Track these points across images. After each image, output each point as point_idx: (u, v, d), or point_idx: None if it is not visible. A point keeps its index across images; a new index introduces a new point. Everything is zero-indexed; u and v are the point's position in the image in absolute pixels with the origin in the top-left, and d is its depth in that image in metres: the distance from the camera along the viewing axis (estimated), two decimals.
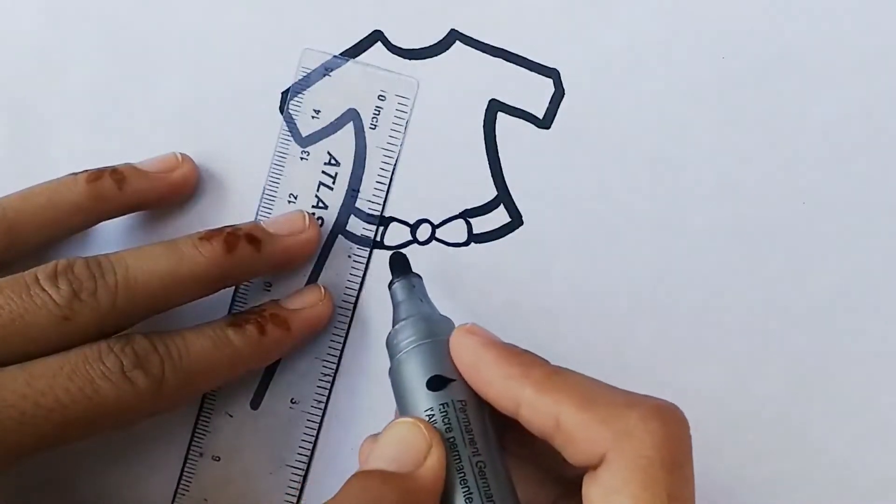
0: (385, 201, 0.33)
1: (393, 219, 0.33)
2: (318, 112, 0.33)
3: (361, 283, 0.33)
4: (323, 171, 0.33)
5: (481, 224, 0.33)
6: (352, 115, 0.33)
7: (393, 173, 0.33)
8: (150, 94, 0.34)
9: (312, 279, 0.33)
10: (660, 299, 0.32)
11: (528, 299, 0.33)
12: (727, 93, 0.32)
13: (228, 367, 0.30)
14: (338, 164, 0.33)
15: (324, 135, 0.33)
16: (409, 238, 0.33)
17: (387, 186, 0.33)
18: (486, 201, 0.33)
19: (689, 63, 0.32)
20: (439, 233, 0.33)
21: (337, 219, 0.33)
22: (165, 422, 0.33)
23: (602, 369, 0.32)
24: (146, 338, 0.29)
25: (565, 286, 0.33)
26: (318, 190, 0.33)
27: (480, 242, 0.33)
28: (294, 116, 0.33)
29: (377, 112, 0.33)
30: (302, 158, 0.33)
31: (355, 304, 0.33)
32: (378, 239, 0.33)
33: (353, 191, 0.33)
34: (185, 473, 0.33)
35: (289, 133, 0.33)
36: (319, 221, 0.33)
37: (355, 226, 0.33)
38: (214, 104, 0.34)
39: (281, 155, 0.33)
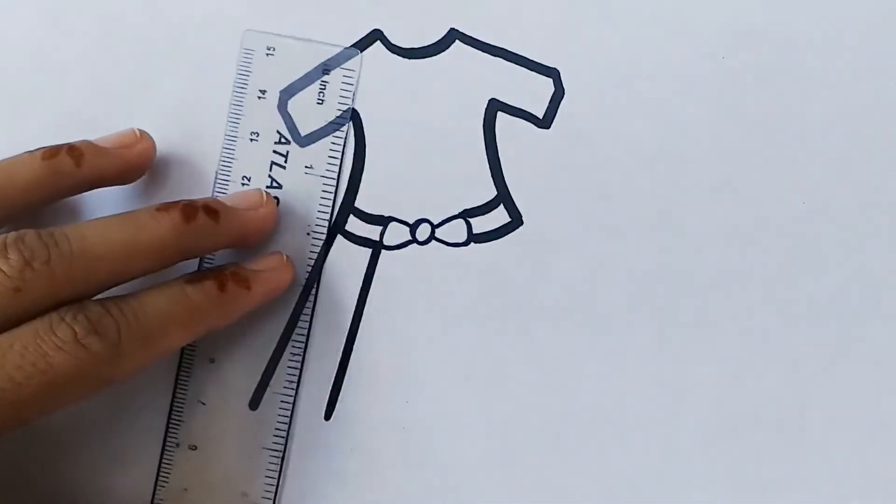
0: (385, 201, 0.33)
1: (392, 218, 0.33)
2: (318, 112, 0.33)
3: (362, 284, 0.33)
4: (325, 173, 0.33)
5: (481, 224, 0.33)
6: (352, 115, 0.33)
7: (393, 174, 0.33)
8: (151, 94, 0.34)
9: (312, 279, 0.33)
10: (660, 299, 0.32)
11: (528, 299, 0.33)
12: (727, 93, 0.32)
13: (186, 323, 0.29)
14: (339, 164, 0.33)
15: (323, 134, 0.33)
16: (409, 238, 0.33)
17: (387, 186, 0.33)
18: (486, 201, 0.33)
19: (689, 63, 0.32)
20: (439, 233, 0.33)
21: (336, 218, 0.33)
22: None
23: (601, 369, 0.32)
24: (99, 303, 0.28)
25: (565, 286, 0.33)
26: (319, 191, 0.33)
27: (480, 242, 0.33)
28: (294, 117, 0.33)
29: (324, 87, 0.33)
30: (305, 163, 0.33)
31: (356, 304, 0.33)
32: (377, 239, 0.33)
33: (352, 190, 0.33)
34: (163, 465, 0.33)
35: (289, 133, 0.33)
36: (324, 219, 0.33)
37: (355, 225, 0.33)
38: (216, 104, 0.34)
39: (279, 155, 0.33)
